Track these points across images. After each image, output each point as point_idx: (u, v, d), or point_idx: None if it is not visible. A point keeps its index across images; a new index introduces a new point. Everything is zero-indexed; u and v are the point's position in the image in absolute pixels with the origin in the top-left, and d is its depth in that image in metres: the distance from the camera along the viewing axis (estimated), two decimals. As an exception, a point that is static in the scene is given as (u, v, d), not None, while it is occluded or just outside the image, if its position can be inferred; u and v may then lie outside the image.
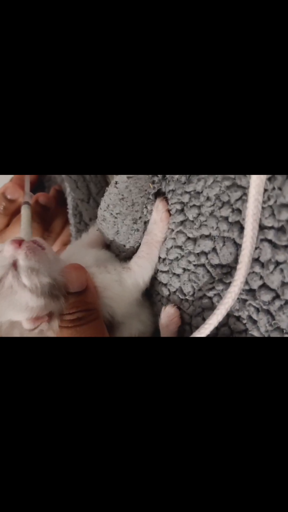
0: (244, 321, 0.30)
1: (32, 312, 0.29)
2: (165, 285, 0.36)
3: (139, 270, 0.36)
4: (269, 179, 0.26)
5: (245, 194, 0.28)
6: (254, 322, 0.29)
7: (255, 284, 0.28)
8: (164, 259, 0.36)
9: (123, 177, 0.33)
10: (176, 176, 0.34)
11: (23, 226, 0.36)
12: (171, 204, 0.35)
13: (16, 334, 0.30)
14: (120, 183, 0.33)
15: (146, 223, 0.36)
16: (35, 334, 0.30)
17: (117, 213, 0.35)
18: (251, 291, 0.29)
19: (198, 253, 0.32)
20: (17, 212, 0.50)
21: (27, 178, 0.43)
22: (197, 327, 0.30)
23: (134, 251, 0.37)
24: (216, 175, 0.30)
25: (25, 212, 0.37)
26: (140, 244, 0.37)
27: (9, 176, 0.57)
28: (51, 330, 0.31)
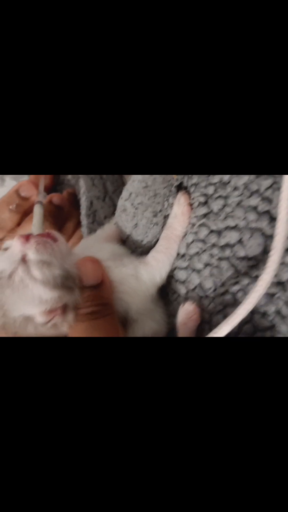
0: (270, 318, 0.28)
1: (46, 305, 0.28)
2: (183, 282, 0.34)
3: (157, 265, 0.34)
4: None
5: (276, 182, 0.28)
6: (283, 317, 0.27)
7: (285, 275, 0.27)
8: (183, 255, 0.34)
9: None
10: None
11: (35, 222, 0.35)
12: (194, 197, 0.34)
13: (30, 329, 0.28)
14: (144, 170, 0.32)
15: (166, 217, 0.35)
16: (49, 328, 0.28)
17: (138, 203, 0.34)
18: (280, 284, 0.27)
19: (222, 246, 0.31)
20: (29, 210, 0.49)
21: (42, 178, 0.43)
22: (217, 326, 0.28)
23: (151, 247, 0.36)
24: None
25: (37, 210, 0.36)
26: (158, 239, 0.36)
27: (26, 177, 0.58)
28: (66, 323, 0.29)
